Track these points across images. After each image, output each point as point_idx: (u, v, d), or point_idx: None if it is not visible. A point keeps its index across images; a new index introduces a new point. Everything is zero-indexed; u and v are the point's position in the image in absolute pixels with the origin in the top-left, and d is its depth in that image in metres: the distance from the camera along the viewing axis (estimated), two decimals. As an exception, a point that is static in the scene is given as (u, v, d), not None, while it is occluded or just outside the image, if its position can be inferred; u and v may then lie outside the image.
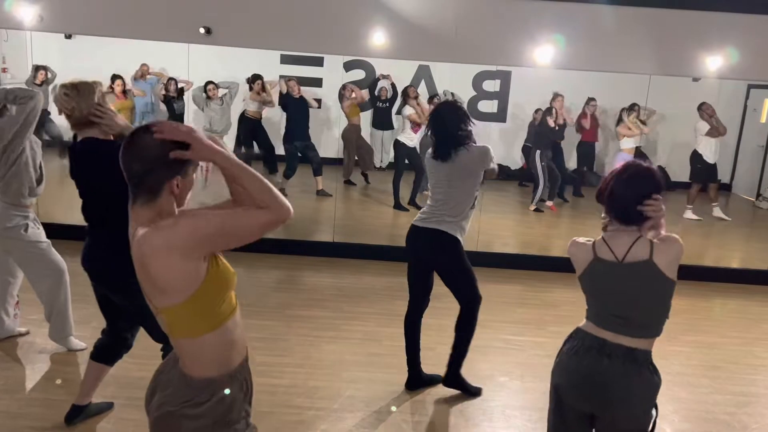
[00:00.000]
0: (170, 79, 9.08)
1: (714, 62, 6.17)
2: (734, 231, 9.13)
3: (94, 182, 3.00)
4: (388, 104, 10.16)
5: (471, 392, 3.96)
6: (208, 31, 6.09)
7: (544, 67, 6.38)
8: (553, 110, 9.08)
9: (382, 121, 10.17)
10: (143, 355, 4.08)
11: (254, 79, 9.17)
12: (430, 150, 3.82)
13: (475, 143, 3.75)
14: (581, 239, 2.44)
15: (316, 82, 10.17)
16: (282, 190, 8.55)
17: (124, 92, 8.95)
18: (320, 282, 5.98)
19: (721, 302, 6.09)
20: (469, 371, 4.27)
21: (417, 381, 3.98)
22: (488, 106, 11.11)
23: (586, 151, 9.90)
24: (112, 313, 3.31)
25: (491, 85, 11.01)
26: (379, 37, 6.14)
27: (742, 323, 5.52)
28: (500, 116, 11.09)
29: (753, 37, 6.14)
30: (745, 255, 8.02)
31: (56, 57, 9.33)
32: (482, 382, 4.16)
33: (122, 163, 1.74)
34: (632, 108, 8.74)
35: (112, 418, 3.47)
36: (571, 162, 10.12)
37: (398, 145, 8.79)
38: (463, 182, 3.72)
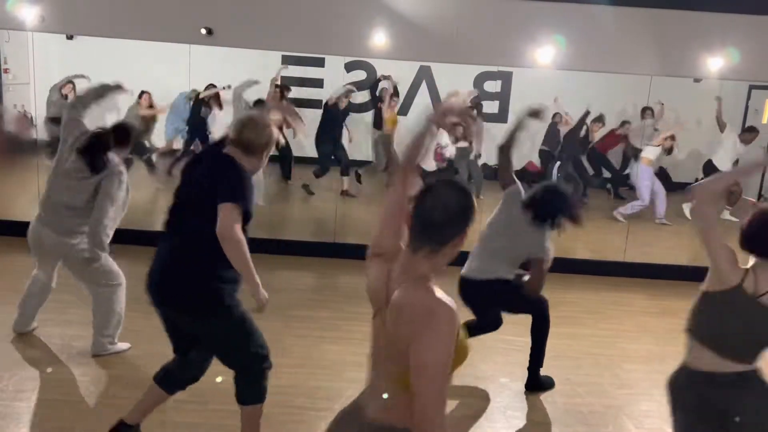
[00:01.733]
0: (210, 85, 8.98)
1: (715, 63, 6.17)
2: (736, 232, 9.11)
3: (207, 192, 2.84)
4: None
5: (549, 386, 4.17)
6: (209, 31, 6.10)
7: (545, 68, 6.38)
8: (586, 127, 9.07)
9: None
10: (146, 356, 4.09)
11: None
12: (528, 212, 3.85)
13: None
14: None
15: (317, 83, 10.17)
16: (306, 187, 8.64)
17: (150, 107, 8.67)
18: (321, 282, 5.98)
19: (723, 303, 6.08)
20: (470, 372, 4.26)
21: None
22: (489, 106, 11.11)
23: (598, 157, 9.89)
24: (185, 344, 3.09)
25: (492, 86, 11.01)
26: (380, 38, 6.15)
27: (744, 324, 5.50)
28: (501, 117, 11.08)
29: (754, 38, 6.14)
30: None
31: (57, 58, 9.35)
32: (483, 383, 4.16)
33: (419, 210, 1.78)
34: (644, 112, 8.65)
35: (115, 418, 3.47)
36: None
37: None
38: (527, 248, 3.89)
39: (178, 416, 3.54)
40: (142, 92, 8.72)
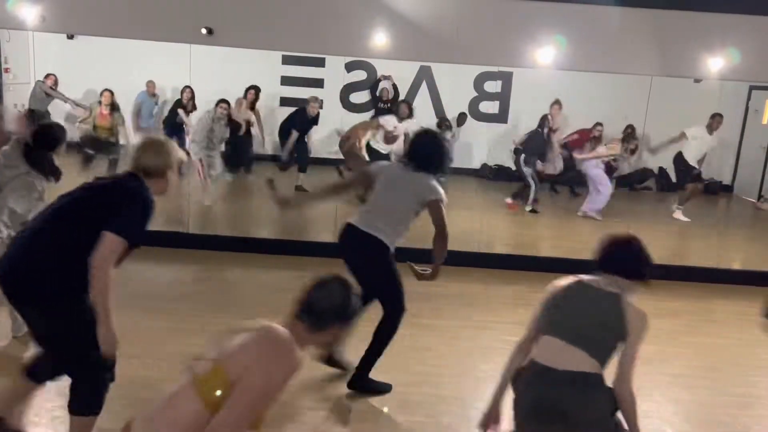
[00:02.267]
0: (187, 87, 9.03)
1: (716, 63, 6.16)
2: (735, 232, 9.13)
3: (112, 215, 2.74)
4: (389, 105, 10.17)
5: (381, 390, 3.89)
6: (209, 31, 6.09)
7: (546, 68, 6.37)
8: (548, 117, 9.25)
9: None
10: (146, 354, 4.10)
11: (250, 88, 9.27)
12: (399, 161, 3.84)
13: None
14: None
15: (318, 83, 10.18)
16: (300, 188, 8.73)
17: (112, 107, 8.41)
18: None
19: (723, 303, 6.08)
20: (470, 372, 4.26)
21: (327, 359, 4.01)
22: (489, 107, 11.12)
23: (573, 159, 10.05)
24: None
25: (492, 86, 11.02)
26: (380, 38, 6.14)
27: (744, 325, 5.51)
28: (501, 117, 11.10)
29: (754, 39, 6.13)
30: (747, 256, 8.01)
31: (58, 57, 9.36)
32: (484, 384, 4.15)
33: (310, 294, 2.21)
34: (628, 139, 9.03)
35: (114, 417, 3.47)
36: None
37: (373, 151, 8.84)
38: (412, 203, 3.80)
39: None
40: (104, 90, 8.66)
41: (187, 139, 8.87)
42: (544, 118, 9.21)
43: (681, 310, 5.87)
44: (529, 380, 2.58)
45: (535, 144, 9.13)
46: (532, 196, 8.95)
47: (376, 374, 4.11)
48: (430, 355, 4.14)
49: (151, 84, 9.45)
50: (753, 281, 6.57)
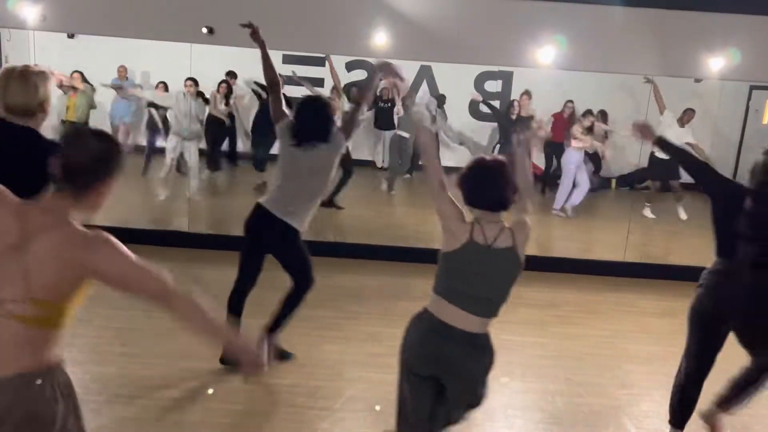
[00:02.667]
0: (160, 83, 9.06)
1: (716, 63, 6.15)
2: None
3: (14, 170, 2.51)
4: (390, 104, 10.18)
5: (284, 357, 4.19)
6: (210, 30, 6.09)
7: (546, 68, 6.37)
8: (515, 102, 9.38)
9: (385, 122, 10.20)
10: (146, 354, 4.11)
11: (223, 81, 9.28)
12: (289, 141, 3.84)
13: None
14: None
15: (318, 82, 10.18)
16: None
17: (75, 89, 8.56)
18: (321, 282, 5.96)
19: (723, 303, 6.08)
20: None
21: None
22: (490, 106, 11.10)
23: (553, 147, 10.05)
24: None
25: (493, 86, 11.02)
26: (381, 38, 6.15)
27: (744, 324, 5.50)
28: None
29: (755, 38, 6.13)
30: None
31: (58, 56, 9.35)
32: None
33: (64, 155, 1.86)
34: (585, 115, 9.08)
35: (114, 416, 3.48)
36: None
37: None
38: (326, 176, 3.91)
39: (176, 415, 3.54)
40: (73, 72, 8.68)
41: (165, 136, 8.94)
42: (510, 104, 9.33)
43: (681, 310, 5.83)
44: (424, 332, 2.63)
45: (505, 129, 9.21)
46: None
47: (378, 373, 4.12)
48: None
49: (122, 69, 9.55)
50: (753, 281, 6.56)
